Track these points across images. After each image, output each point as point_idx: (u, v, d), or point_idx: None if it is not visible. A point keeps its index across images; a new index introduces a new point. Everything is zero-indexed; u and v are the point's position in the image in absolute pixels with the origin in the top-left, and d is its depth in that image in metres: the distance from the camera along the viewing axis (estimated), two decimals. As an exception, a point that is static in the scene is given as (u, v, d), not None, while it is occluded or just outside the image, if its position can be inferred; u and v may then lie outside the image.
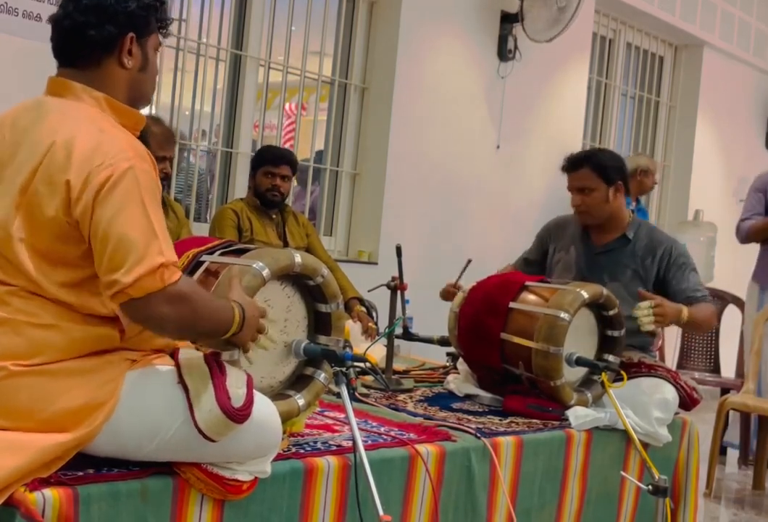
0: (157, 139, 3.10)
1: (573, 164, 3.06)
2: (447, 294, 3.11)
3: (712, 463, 4.14)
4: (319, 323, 2.13)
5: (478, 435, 2.38)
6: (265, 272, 1.93)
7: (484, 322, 2.81)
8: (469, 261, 3.14)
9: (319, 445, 2.10)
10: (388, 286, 3.03)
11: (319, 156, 5.07)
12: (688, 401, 2.91)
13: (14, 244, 1.61)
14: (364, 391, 2.83)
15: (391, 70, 4.91)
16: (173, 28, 1.90)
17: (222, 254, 2.09)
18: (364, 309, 3.82)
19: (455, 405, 2.80)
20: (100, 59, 1.73)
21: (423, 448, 2.20)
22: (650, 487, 2.35)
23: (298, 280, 2.08)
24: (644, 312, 2.73)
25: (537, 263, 3.26)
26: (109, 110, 1.72)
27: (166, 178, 3.27)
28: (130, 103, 1.77)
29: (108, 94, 1.73)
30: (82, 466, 1.66)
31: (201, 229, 4.27)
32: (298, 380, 2.10)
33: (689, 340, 5.35)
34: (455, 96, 5.22)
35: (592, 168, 3.01)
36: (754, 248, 4.99)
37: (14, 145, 1.67)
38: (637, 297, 2.94)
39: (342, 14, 4.93)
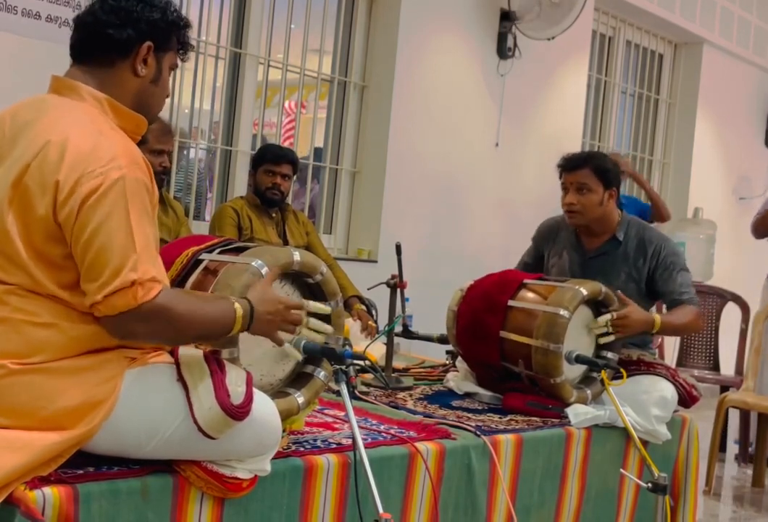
0: (154, 133, 3.09)
1: (574, 163, 3.01)
2: None
3: (712, 461, 4.14)
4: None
5: (478, 433, 2.38)
6: (264, 270, 1.93)
7: (483, 320, 2.81)
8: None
9: (318, 443, 2.10)
10: (387, 284, 3.03)
11: (319, 154, 5.07)
12: (687, 399, 2.91)
13: (12, 238, 1.61)
14: (364, 389, 2.83)
15: (390, 68, 4.91)
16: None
17: (221, 252, 2.09)
18: (363, 307, 3.82)
19: (455, 403, 2.80)
20: (113, 61, 1.73)
21: (423, 446, 2.20)
22: (650, 484, 2.35)
23: (298, 278, 2.08)
24: (599, 325, 2.73)
25: (536, 267, 3.25)
26: (111, 112, 1.72)
27: (165, 172, 3.24)
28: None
29: (114, 97, 1.73)
30: (82, 465, 1.67)
31: (200, 228, 4.27)
32: (298, 378, 2.10)
33: (689, 337, 5.35)
34: (454, 94, 5.22)
35: (594, 169, 2.97)
36: (755, 247, 4.99)
37: (12, 141, 1.66)
38: (632, 298, 2.94)
39: (341, 12, 4.92)
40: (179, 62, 1.84)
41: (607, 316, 2.73)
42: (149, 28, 1.73)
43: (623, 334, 2.76)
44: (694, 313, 2.94)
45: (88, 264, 1.56)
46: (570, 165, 3.02)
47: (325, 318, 2.11)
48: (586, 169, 2.98)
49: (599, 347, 2.82)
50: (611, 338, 2.75)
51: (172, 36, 1.78)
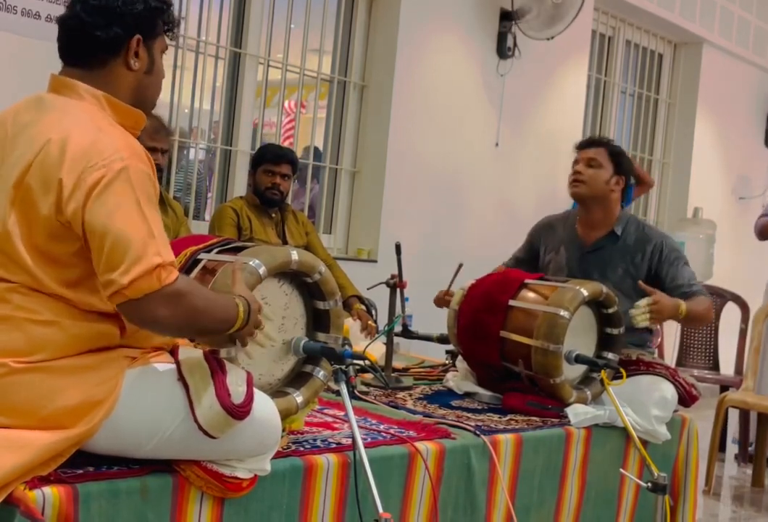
0: (147, 130, 3.06)
1: (591, 142, 3.13)
2: (440, 301, 3.11)
3: (712, 461, 4.14)
4: (318, 321, 2.13)
5: (478, 432, 2.38)
6: (262, 270, 1.93)
7: (484, 319, 2.81)
8: (461, 265, 3.10)
9: (318, 442, 2.10)
10: (387, 283, 3.03)
11: (319, 154, 5.07)
12: (686, 398, 2.91)
13: (13, 239, 1.61)
14: (364, 388, 2.83)
15: (390, 68, 4.91)
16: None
17: (219, 252, 2.09)
18: (363, 307, 3.82)
19: (455, 402, 2.80)
20: (106, 60, 1.72)
21: (422, 446, 2.20)
22: (649, 484, 2.35)
23: (296, 278, 2.08)
24: (640, 310, 2.72)
25: (527, 262, 3.25)
26: (109, 109, 1.72)
27: (158, 170, 3.19)
28: (134, 106, 1.76)
29: (112, 95, 1.72)
30: (82, 464, 1.66)
31: (200, 228, 4.27)
32: (297, 378, 2.10)
33: (689, 337, 5.35)
34: (454, 94, 5.22)
35: (609, 151, 3.07)
36: (755, 247, 4.98)
37: (13, 141, 1.67)
38: (628, 294, 2.94)
39: (341, 12, 4.92)
40: (168, 42, 1.82)
41: (646, 300, 2.73)
42: (135, 22, 1.72)
43: (657, 320, 2.78)
44: (709, 303, 2.98)
45: (108, 253, 1.55)
46: (586, 142, 3.15)
47: (324, 317, 2.11)
48: (601, 148, 3.08)
49: (599, 347, 2.83)
50: (647, 323, 2.75)
51: (157, 21, 1.77)
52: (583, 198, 3.06)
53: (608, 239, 3.06)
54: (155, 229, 1.58)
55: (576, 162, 3.11)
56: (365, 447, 1.88)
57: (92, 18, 1.69)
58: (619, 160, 3.06)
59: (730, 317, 5.22)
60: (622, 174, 3.05)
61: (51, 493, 1.57)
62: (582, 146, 3.14)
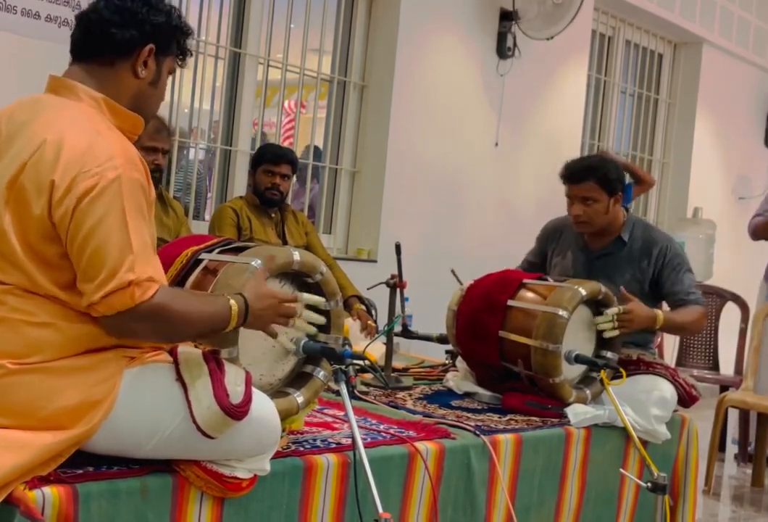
0: (147, 130, 3.05)
1: (578, 176, 3.00)
2: None
3: (711, 460, 4.14)
4: (319, 321, 2.13)
5: (478, 432, 2.38)
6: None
7: (483, 319, 2.81)
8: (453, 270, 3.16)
9: (318, 442, 2.10)
10: (387, 284, 3.03)
11: (318, 153, 5.07)
12: (686, 398, 2.91)
13: (9, 237, 1.61)
14: (364, 388, 2.83)
15: (390, 68, 4.91)
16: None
17: (221, 252, 2.09)
18: (363, 307, 3.81)
19: (454, 402, 2.80)
20: (114, 61, 1.73)
21: (422, 446, 2.20)
22: (649, 484, 2.35)
23: (297, 278, 2.08)
24: (606, 319, 2.72)
25: (539, 266, 3.26)
26: (108, 112, 1.72)
27: (158, 170, 3.14)
28: None
29: (111, 97, 1.72)
30: (82, 464, 1.67)
31: (200, 228, 4.27)
32: (298, 378, 2.10)
33: (689, 337, 5.35)
34: (454, 93, 5.22)
35: (598, 181, 2.97)
36: (754, 247, 4.97)
37: (8, 140, 1.66)
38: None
39: (341, 12, 4.92)
40: (177, 68, 1.85)
41: (615, 309, 2.73)
42: (152, 31, 1.74)
43: (628, 330, 2.76)
44: (699, 313, 2.95)
45: (85, 264, 1.56)
46: (574, 178, 3.01)
47: (325, 317, 2.11)
48: (589, 181, 2.97)
49: (599, 347, 2.83)
50: (616, 333, 2.75)
51: (173, 40, 1.79)
52: (592, 233, 3.07)
53: (615, 245, 3.06)
54: (136, 242, 1.57)
55: (570, 200, 3.02)
56: (365, 447, 1.88)
57: (112, 16, 1.71)
58: (610, 185, 2.97)
59: (729, 317, 5.22)
60: (617, 192, 3.00)
61: (51, 493, 1.57)
62: (570, 181, 3.02)
